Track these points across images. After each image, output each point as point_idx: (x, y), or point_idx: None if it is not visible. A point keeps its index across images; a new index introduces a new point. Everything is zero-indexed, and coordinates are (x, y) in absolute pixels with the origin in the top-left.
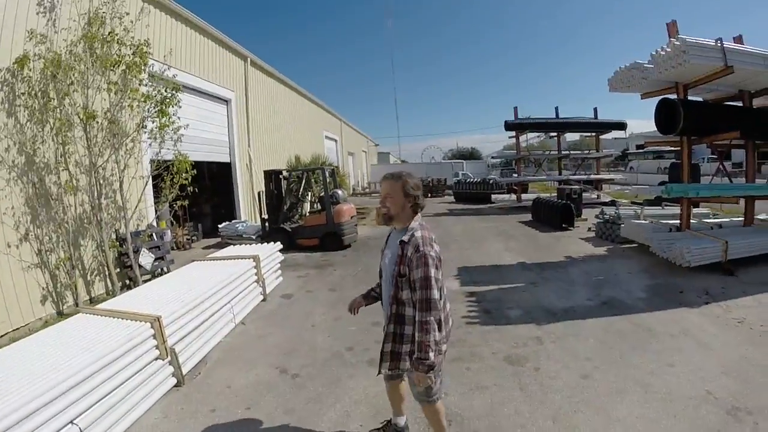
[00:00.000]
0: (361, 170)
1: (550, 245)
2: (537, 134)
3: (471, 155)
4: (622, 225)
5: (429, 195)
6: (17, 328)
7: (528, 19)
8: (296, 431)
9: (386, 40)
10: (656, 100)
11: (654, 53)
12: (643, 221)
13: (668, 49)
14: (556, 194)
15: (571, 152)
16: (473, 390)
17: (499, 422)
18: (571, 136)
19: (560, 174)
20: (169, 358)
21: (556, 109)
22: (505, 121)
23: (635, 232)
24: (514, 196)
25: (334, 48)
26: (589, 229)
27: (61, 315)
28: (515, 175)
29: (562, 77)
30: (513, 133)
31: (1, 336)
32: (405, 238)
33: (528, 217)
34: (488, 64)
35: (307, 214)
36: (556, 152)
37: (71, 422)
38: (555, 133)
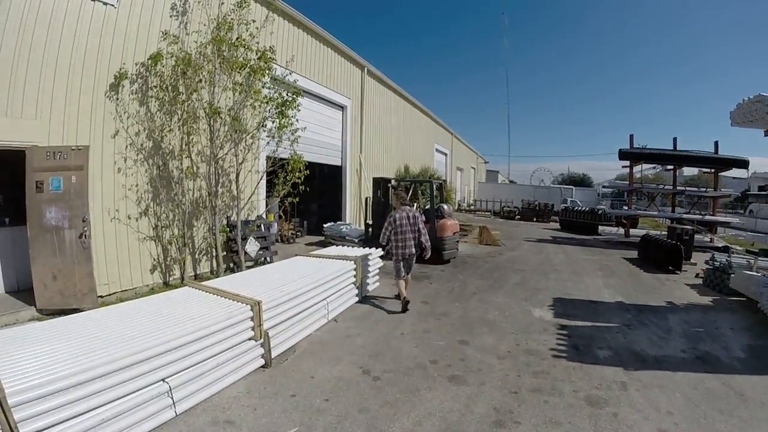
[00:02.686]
0: (468, 186)
1: (652, 287)
2: (652, 166)
3: (582, 181)
4: (733, 275)
5: (535, 219)
6: (125, 290)
7: (648, 35)
8: (368, 430)
9: (501, 58)
10: None
11: None
12: (755, 273)
13: None
14: (666, 232)
15: (687, 188)
16: (547, 424)
17: None
18: (689, 171)
19: (673, 211)
20: (262, 340)
21: (674, 140)
22: (619, 150)
23: (745, 284)
24: (622, 230)
25: (446, 60)
26: (697, 275)
27: (166, 285)
28: (625, 207)
29: (682, 103)
30: (626, 163)
31: (110, 294)
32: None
33: (634, 254)
34: (606, 83)
35: (424, 230)
36: (671, 187)
37: (163, 380)
38: (671, 166)
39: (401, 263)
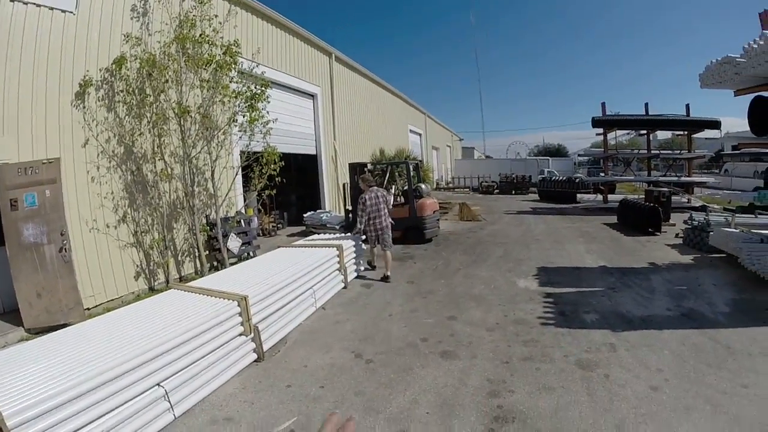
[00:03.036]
0: (445, 165)
1: (634, 250)
2: (626, 132)
3: (557, 152)
4: (711, 233)
5: (513, 192)
6: (111, 300)
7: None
8: (365, 412)
9: (469, 33)
10: (751, 97)
11: (746, 46)
12: (733, 230)
13: (761, 42)
14: (644, 196)
15: (662, 152)
16: (540, 390)
17: (562, 425)
18: (662, 135)
19: (649, 175)
20: (252, 335)
21: (646, 105)
22: (592, 118)
23: (724, 241)
24: (600, 197)
25: (416, 45)
26: (677, 235)
27: (152, 290)
28: (602, 174)
29: (652, 70)
30: (600, 130)
31: (96, 306)
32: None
33: (613, 219)
34: (576, 56)
35: (391, 206)
36: (646, 151)
37: (158, 384)
38: (644, 131)
39: (374, 235)
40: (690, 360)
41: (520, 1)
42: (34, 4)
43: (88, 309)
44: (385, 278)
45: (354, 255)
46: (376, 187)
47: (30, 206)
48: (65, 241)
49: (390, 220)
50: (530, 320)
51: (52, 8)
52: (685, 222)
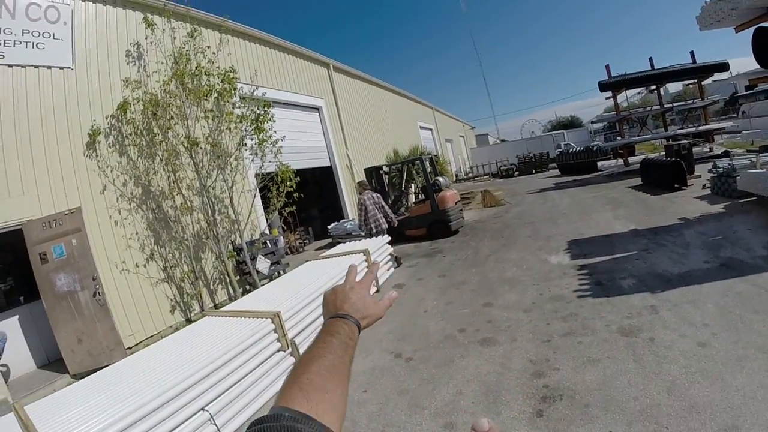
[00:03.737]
0: (461, 156)
1: (662, 208)
2: (637, 91)
3: (571, 124)
4: (738, 177)
5: (533, 171)
6: (151, 336)
7: None
8: (410, 410)
9: (465, 22)
10: (752, 30)
11: None
12: (760, 170)
13: None
14: (664, 153)
15: (675, 104)
16: (585, 364)
17: (612, 395)
18: (673, 88)
19: (666, 130)
20: (290, 349)
21: (650, 59)
22: (599, 82)
23: (752, 183)
24: (621, 161)
25: (416, 43)
26: (704, 186)
27: (189, 321)
28: (619, 138)
29: (655, 24)
30: (609, 94)
31: (137, 344)
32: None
33: (637, 181)
34: (573, 25)
35: (412, 205)
36: (659, 107)
37: (202, 409)
38: (653, 87)
39: (377, 232)
40: (735, 310)
41: None
42: (33, 66)
43: (130, 348)
44: (397, 259)
45: (381, 258)
46: (369, 191)
47: (59, 257)
48: (98, 286)
49: (391, 216)
50: (567, 295)
51: (50, 67)
52: (709, 171)
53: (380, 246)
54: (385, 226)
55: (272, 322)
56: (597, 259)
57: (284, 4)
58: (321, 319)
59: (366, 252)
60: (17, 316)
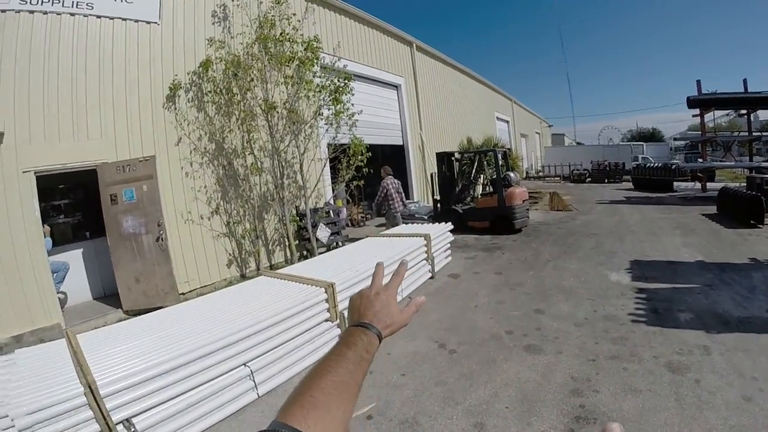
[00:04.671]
0: (534, 153)
1: (734, 243)
2: (725, 113)
3: (652, 136)
4: None
5: (606, 180)
6: (205, 285)
7: None
8: (444, 402)
9: (552, 13)
10: None
11: None
12: None
13: None
14: (745, 184)
15: (764, 133)
16: (626, 392)
17: (645, 431)
18: (764, 115)
19: (751, 159)
20: (338, 321)
21: (744, 81)
22: (687, 98)
23: None
24: (698, 185)
25: (500, 28)
26: None
27: (243, 277)
28: (700, 160)
29: (755, 44)
30: (696, 111)
31: (191, 291)
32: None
33: (713, 209)
34: (669, 31)
35: (479, 196)
36: (746, 133)
37: (244, 364)
38: (744, 111)
39: (398, 214)
40: None
41: None
42: (121, 18)
43: (183, 294)
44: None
45: (441, 245)
46: (391, 176)
47: (129, 200)
48: (162, 231)
49: (405, 204)
50: (621, 316)
51: (137, 21)
52: None
53: (442, 233)
54: (400, 208)
55: (325, 291)
56: (658, 285)
57: None
58: None
59: (427, 237)
60: (81, 250)
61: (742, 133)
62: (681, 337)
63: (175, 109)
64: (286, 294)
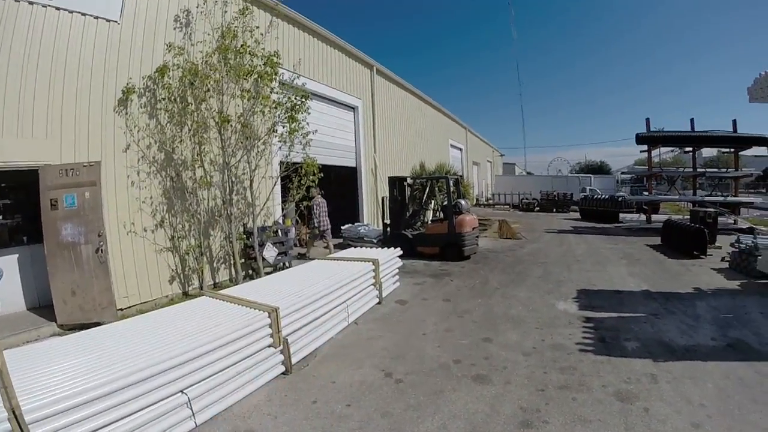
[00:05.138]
0: (485, 180)
1: (678, 274)
2: (670, 149)
3: (600, 169)
4: (760, 257)
5: (554, 210)
6: (145, 302)
7: (666, 20)
8: None
9: (511, 49)
10: None
11: None
12: None
13: None
14: (689, 216)
15: (708, 170)
16: (576, 422)
17: None
18: (707, 152)
19: (694, 194)
20: (281, 347)
21: (692, 121)
22: (636, 134)
23: None
24: (643, 217)
25: (458, 62)
26: (723, 258)
27: (186, 295)
28: (645, 193)
29: (697, 84)
30: (644, 147)
31: (130, 307)
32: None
33: (657, 240)
34: (618, 73)
35: (429, 222)
36: (691, 169)
37: (181, 391)
38: (689, 149)
39: (321, 231)
40: (734, 395)
41: (566, 18)
42: (80, 13)
43: (121, 309)
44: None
45: (389, 270)
46: (320, 196)
47: (69, 207)
48: (102, 243)
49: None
50: (569, 346)
51: (97, 17)
52: (732, 245)
53: (391, 258)
54: (328, 227)
55: (269, 316)
56: (604, 314)
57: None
58: (319, 321)
59: (376, 262)
60: (17, 255)
61: (687, 169)
62: (629, 366)
63: (126, 114)
64: (228, 317)
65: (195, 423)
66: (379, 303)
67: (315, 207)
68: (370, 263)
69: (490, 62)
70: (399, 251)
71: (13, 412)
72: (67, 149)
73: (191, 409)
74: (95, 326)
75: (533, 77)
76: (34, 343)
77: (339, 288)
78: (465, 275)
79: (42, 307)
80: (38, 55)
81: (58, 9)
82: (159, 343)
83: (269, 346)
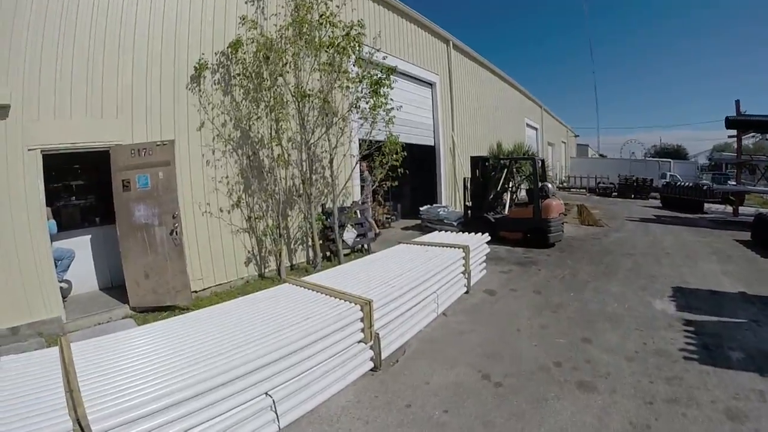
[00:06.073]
0: (560, 162)
1: None
2: (751, 135)
3: (677, 153)
4: None
5: (633, 196)
6: (220, 284)
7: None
8: None
9: (584, 26)
10: None
11: None
12: None
13: None
14: None
15: None
16: None
17: None
18: None
19: None
20: (372, 342)
21: None
22: (726, 118)
23: None
24: (728, 208)
25: (530, 33)
26: None
27: (261, 277)
28: (731, 182)
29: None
30: (734, 132)
31: (204, 289)
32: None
33: (746, 236)
34: (692, 51)
35: (514, 205)
36: None
37: (266, 393)
38: None
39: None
40: None
41: None
42: None
43: (196, 292)
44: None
45: (477, 258)
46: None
47: (143, 187)
48: (176, 224)
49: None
50: (672, 352)
51: None
52: None
53: (479, 245)
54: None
55: (362, 309)
56: (704, 317)
57: None
58: (409, 313)
59: (466, 249)
60: (90, 236)
61: None
62: (735, 380)
63: (200, 90)
64: (317, 309)
65: (278, 426)
66: (467, 292)
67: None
68: (461, 250)
69: (560, 38)
70: (487, 237)
71: (78, 423)
72: (139, 128)
73: (275, 411)
74: (169, 309)
75: (602, 52)
76: (107, 332)
77: (432, 277)
78: (552, 264)
79: (115, 287)
80: (105, 30)
81: None
82: (244, 339)
83: (360, 341)
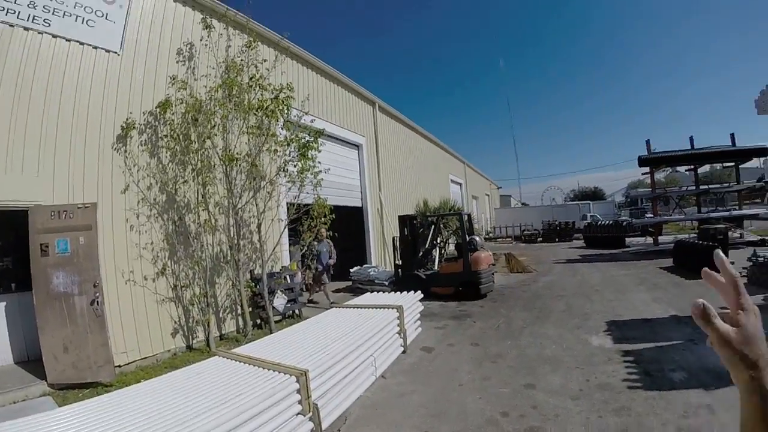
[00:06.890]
0: (485, 214)
1: (700, 295)
2: (662, 168)
3: (595, 195)
4: None
5: (557, 239)
6: (145, 357)
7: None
8: None
9: (500, 80)
10: None
11: None
12: None
13: None
14: (696, 235)
15: (711, 186)
16: None
17: None
18: (701, 169)
19: (699, 211)
20: (310, 413)
21: (691, 138)
22: (639, 157)
23: None
24: (649, 239)
25: (448, 92)
26: (741, 274)
27: (190, 349)
28: (648, 215)
29: (689, 100)
30: (646, 169)
31: (129, 363)
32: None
33: (668, 262)
34: (602, 97)
35: (438, 260)
36: (695, 187)
37: None
38: (685, 167)
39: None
40: None
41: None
42: (78, 42)
43: (120, 366)
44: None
45: (411, 316)
46: (327, 240)
47: (62, 253)
48: (98, 294)
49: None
50: (615, 384)
51: (96, 47)
52: (749, 259)
53: (413, 303)
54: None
55: (297, 381)
56: (640, 345)
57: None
58: (347, 379)
59: (400, 309)
60: (5, 303)
61: (690, 187)
62: (682, 399)
63: (126, 151)
64: (249, 383)
65: None
66: (404, 352)
67: (326, 246)
68: (395, 310)
69: (477, 92)
70: (419, 295)
71: None
72: (60, 188)
73: None
74: (90, 386)
75: (521, 106)
76: (25, 412)
77: (367, 340)
78: (486, 315)
79: (32, 361)
80: (31, 84)
81: (54, 37)
82: (171, 423)
83: (298, 413)
